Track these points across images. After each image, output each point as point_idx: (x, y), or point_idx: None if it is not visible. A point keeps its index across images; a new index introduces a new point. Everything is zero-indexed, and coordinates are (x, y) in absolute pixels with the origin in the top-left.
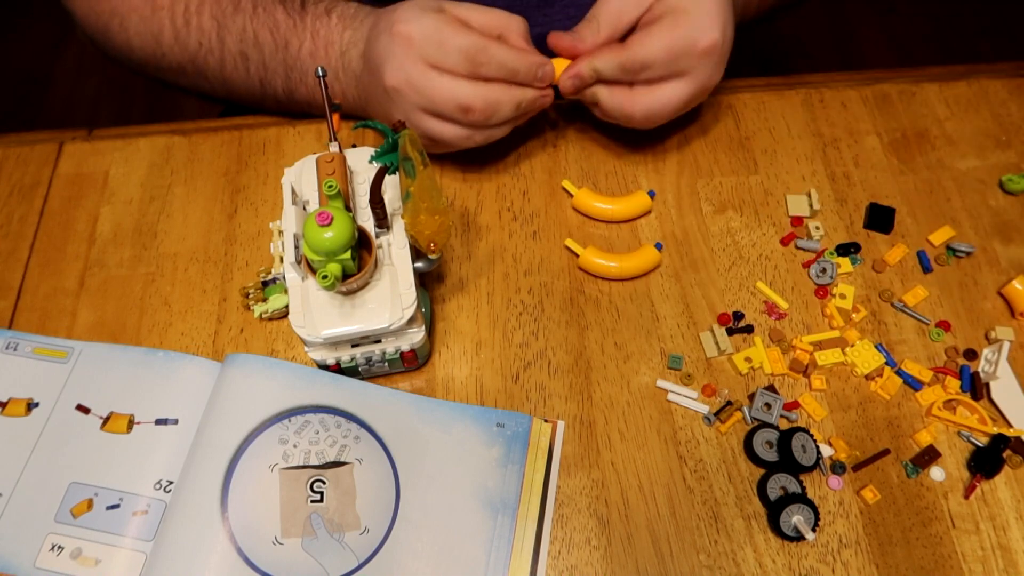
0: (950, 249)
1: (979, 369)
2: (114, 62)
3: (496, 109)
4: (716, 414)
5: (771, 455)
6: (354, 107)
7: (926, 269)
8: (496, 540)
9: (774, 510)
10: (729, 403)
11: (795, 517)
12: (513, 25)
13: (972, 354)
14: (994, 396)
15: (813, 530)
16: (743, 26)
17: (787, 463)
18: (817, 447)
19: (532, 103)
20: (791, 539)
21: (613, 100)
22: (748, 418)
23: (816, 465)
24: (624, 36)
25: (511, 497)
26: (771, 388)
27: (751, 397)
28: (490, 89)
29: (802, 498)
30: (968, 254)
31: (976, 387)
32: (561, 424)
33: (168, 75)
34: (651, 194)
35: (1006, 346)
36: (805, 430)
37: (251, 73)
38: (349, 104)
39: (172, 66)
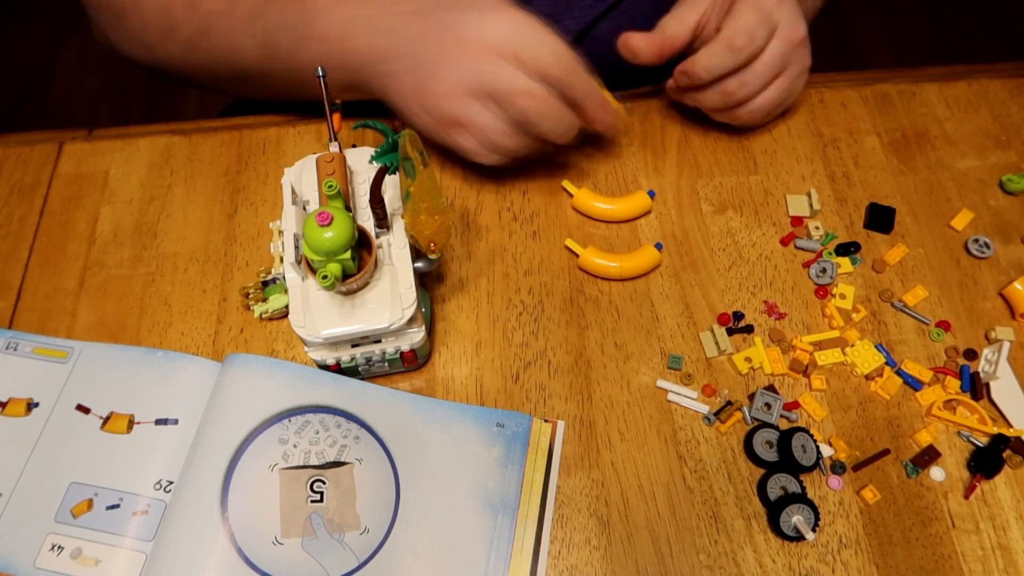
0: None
1: (979, 369)
2: (122, 53)
3: (552, 113)
4: (716, 414)
5: (771, 455)
6: (365, 63)
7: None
8: (496, 540)
9: (774, 510)
10: (729, 403)
11: (795, 517)
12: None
13: (972, 354)
14: (994, 396)
15: (813, 530)
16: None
17: (787, 463)
18: (817, 447)
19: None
20: (791, 539)
21: (718, 114)
22: (748, 418)
23: (816, 465)
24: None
25: (511, 497)
26: (771, 388)
27: (751, 397)
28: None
29: (802, 498)
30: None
31: (976, 387)
32: (561, 424)
33: (175, 56)
34: (651, 194)
35: (1006, 346)
36: (805, 430)
37: (257, 35)
38: (359, 64)
39: (181, 42)
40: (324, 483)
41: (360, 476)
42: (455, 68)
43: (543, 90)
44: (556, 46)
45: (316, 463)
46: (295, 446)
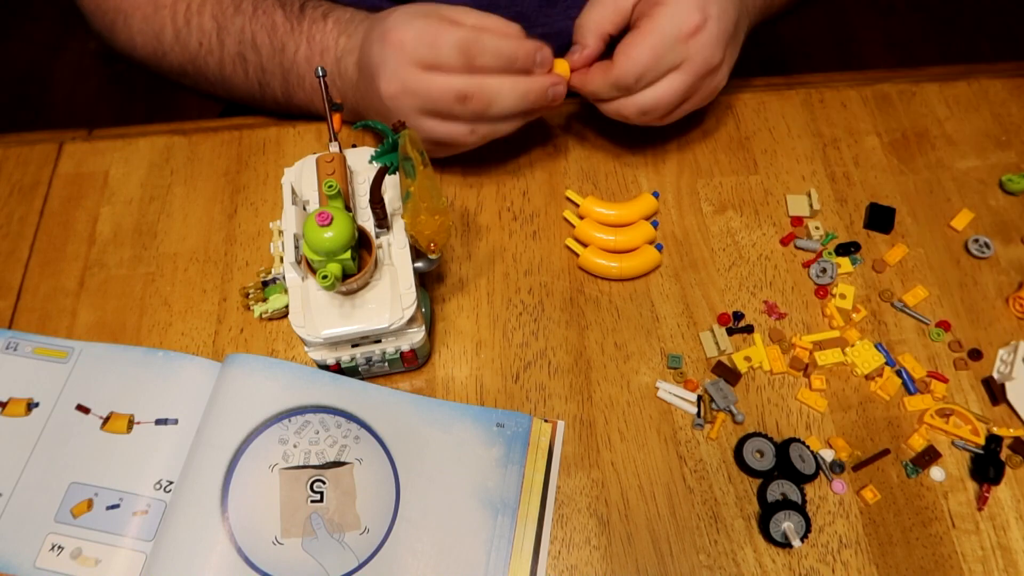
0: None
1: (995, 370)
2: (120, 58)
3: (495, 96)
4: (700, 415)
5: (762, 464)
6: (351, 111)
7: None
8: (496, 540)
9: (766, 515)
10: (699, 397)
11: (784, 524)
12: (510, 28)
13: (977, 354)
14: (1010, 396)
15: (802, 539)
16: (760, 25)
17: (788, 473)
18: (814, 455)
19: (542, 94)
20: (780, 545)
21: (610, 108)
22: (736, 418)
23: (816, 473)
24: (613, 42)
25: (511, 497)
26: (724, 370)
27: (707, 390)
28: (487, 77)
29: (795, 506)
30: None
31: (992, 389)
32: (561, 424)
33: (170, 74)
34: (655, 195)
35: (1022, 346)
36: (800, 440)
37: (250, 75)
38: (346, 109)
39: (173, 65)
40: (324, 483)
41: (360, 476)
42: (393, 106)
43: (473, 81)
44: (461, 31)
45: (316, 463)
46: (295, 446)
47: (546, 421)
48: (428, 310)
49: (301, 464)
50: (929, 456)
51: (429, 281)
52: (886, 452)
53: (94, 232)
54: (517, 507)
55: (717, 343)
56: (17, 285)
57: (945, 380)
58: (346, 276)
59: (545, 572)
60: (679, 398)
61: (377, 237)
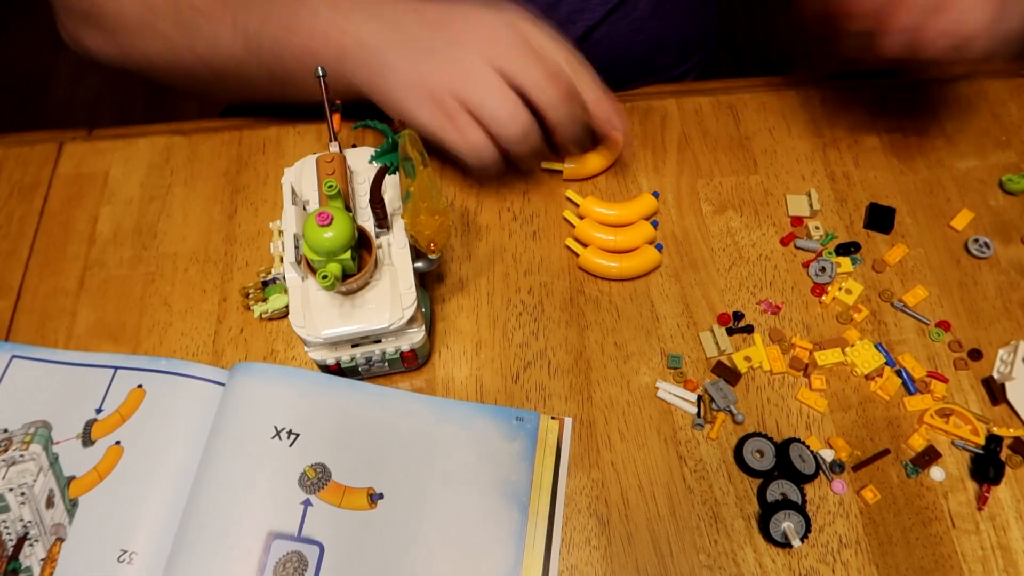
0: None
1: (995, 370)
2: (91, 54)
3: (567, 103)
4: (700, 415)
5: (762, 463)
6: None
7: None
8: (513, 536)
9: (766, 514)
10: (699, 397)
11: (784, 524)
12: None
13: (977, 354)
14: (1010, 397)
15: (802, 540)
16: None
17: (788, 473)
18: (814, 455)
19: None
20: (780, 545)
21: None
22: (735, 418)
23: (816, 473)
24: None
25: (523, 493)
26: (724, 370)
27: (707, 390)
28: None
29: (795, 506)
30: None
31: (992, 389)
32: (568, 421)
33: (153, 54)
34: (655, 195)
35: (1022, 346)
36: (800, 440)
37: (239, 31)
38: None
39: (160, 35)
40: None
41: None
42: (467, 53)
43: (567, 76)
44: (566, 45)
45: None
46: None
47: (553, 418)
48: (428, 310)
49: None
50: (929, 456)
51: (429, 281)
52: (886, 452)
53: (94, 232)
54: (528, 503)
55: (717, 343)
56: (17, 285)
57: (945, 380)
58: (346, 276)
59: (558, 569)
60: (679, 398)
61: (377, 237)
